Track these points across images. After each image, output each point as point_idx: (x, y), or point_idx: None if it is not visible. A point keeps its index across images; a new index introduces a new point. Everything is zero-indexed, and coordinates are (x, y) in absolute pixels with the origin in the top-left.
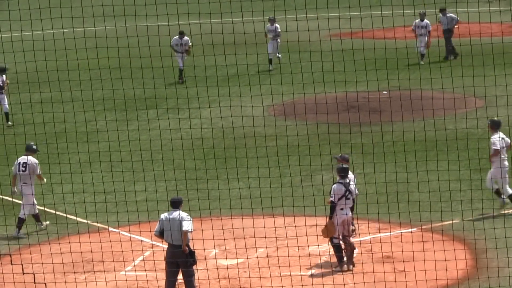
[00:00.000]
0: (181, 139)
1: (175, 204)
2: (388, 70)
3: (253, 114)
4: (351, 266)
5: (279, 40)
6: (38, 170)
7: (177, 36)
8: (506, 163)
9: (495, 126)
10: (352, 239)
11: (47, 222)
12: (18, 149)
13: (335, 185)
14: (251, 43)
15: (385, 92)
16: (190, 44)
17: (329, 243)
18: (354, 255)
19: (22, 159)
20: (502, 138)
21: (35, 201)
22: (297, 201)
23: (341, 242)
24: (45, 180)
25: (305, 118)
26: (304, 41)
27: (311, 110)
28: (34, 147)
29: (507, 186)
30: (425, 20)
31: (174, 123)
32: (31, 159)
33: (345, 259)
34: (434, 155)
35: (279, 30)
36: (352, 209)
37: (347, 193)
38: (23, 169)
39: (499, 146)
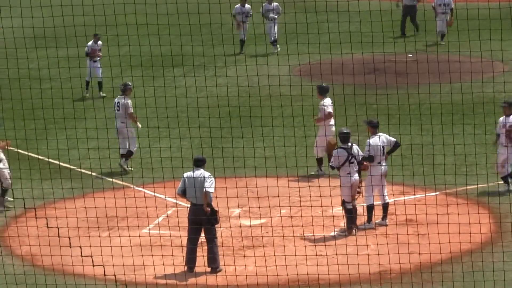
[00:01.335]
0: (206, 97)
1: (199, 163)
2: (415, 33)
3: (279, 74)
4: (355, 229)
5: (276, 19)
6: (129, 109)
7: (239, 4)
8: (333, 129)
9: (323, 92)
10: (356, 202)
11: (131, 168)
12: (44, 103)
13: (335, 151)
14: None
15: (411, 55)
16: (251, 14)
17: (342, 207)
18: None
19: (118, 98)
20: (330, 105)
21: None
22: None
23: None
24: (139, 125)
25: (331, 79)
26: (331, 1)
27: (337, 71)
28: (129, 86)
29: None
30: None
31: (200, 81)
32: (124, 99)
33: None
34: (459, 119)
35: (280, 9)
36: (359, 172)
37: (350, 158)
38: (118, 108)
39: (331, 110)
